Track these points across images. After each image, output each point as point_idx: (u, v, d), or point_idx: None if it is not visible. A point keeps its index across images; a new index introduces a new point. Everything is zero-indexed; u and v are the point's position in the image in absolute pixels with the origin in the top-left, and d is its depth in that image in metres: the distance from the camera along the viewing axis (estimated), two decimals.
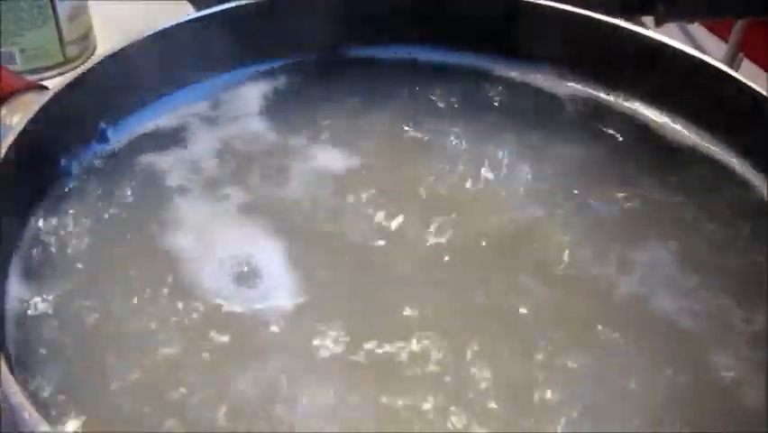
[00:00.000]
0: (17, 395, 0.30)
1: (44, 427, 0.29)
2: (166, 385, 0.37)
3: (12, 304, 0.40)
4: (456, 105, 0.54)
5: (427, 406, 0.37)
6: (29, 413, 0.29)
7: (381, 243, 0.45)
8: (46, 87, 0.46)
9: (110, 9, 0.79)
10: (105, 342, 0.39)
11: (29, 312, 0.40)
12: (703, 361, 0.40)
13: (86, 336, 0.39)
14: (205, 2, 0.73)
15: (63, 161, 0.46)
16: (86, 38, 0.76)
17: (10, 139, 0.41)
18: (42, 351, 0.38)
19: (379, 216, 0.46)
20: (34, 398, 0.35)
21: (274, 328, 0.40)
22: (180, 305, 0.40)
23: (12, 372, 0.32)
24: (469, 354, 0.40)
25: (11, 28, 0.69)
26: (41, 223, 0.43)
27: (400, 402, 0.37)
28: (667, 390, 0.39)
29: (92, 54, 0.77)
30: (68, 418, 0.35)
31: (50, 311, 0.40)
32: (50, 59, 0.72)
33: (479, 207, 0.48)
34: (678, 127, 0.52)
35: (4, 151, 0.40)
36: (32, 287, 0.40)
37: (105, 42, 0.79)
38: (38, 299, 0.40)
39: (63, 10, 0.73)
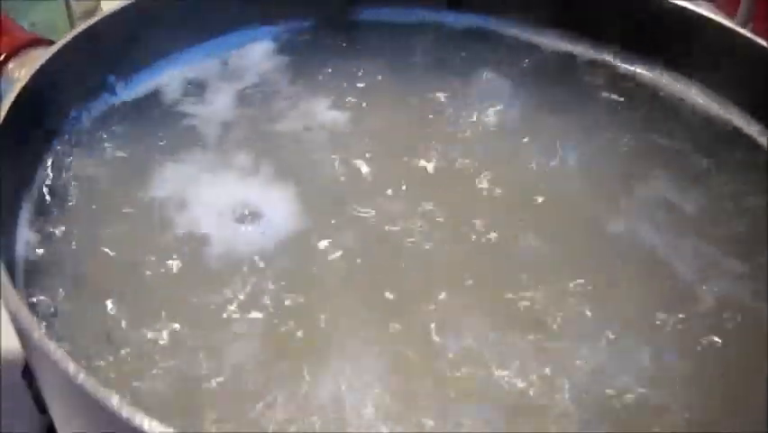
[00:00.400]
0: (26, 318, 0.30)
1: (53, 346, 0.30)
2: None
3: (21, 247, 0.40)
4: (463, 67, 0.54)
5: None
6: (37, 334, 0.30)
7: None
8: (53, 42, 0.47)
9: None
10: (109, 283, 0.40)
11: (37, 253, 0.40)
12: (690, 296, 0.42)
13: (88, 280, 0.40)
14: None
15: (74, 113, 0.46)
16: (94, 13, 0.77)
17: (16, 91, 0.41)
18: (47, 295, 0.39)
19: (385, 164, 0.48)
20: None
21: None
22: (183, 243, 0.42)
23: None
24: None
25: (21, 2, 0.70)
26: (50, 170, 0.44)
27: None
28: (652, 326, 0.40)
29: None
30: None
31: (56, 253, 0.41)
32: (59, 34, 0.73)
33: (484, 158, 0.48)
34: (691, 90, 0.53)
35: (9, 103, 0.41)
36: (40, 230, 0.41)
37: None
38: (46, 241, 0.41)
39: None
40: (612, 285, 0.42)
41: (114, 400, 0.28)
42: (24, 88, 0.41)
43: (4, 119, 0.39)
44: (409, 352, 0.38)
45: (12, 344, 0.54)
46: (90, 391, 0.28)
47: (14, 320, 0.32)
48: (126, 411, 0.28)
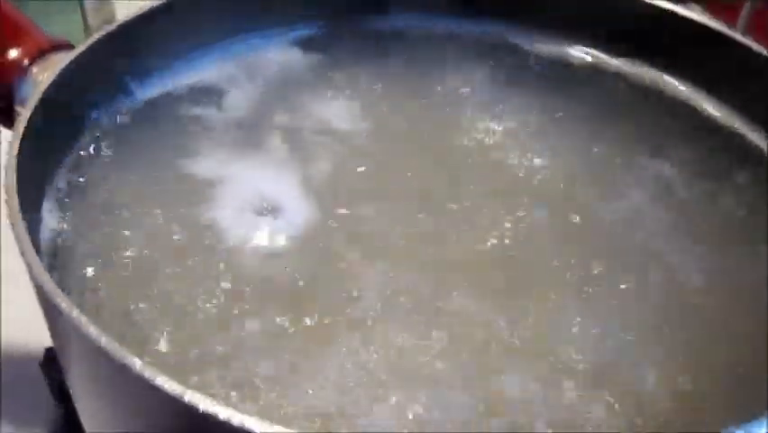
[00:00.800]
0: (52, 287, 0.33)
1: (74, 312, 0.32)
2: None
3: (44, 237, 0.43)
4: (469, 73, 0.57)
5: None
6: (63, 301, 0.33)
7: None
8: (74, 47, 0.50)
9: None
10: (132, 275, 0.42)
11: (58, 243, 0.43)
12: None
13: (108, 270, 0.43)
14: None
15: (93, 114, 0.49)
16: (111, 23, 0.80)
17: (39, 93, 0.44)
18: (71, 284, 0.42)
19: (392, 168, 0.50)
20: None
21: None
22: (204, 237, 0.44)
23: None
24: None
25: (38, 14, 0.73)
26: (71, 168, 0.47)
27: None
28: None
29: None
30: None
31: (77, 245, 0.43)
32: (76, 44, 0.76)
33: (495, 160, 0.51)
34: (686, 90, 0.55)
35: (33, 104, 0.43)
36: (62, 223, 0.44)
37: None
38: (67, 234, 0.44)
39: None
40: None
41: (138, 364, 0.31)
42: (47, 90, 0.44)
43: (29, 119, 0.42)
44: None
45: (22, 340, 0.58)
46: (113, 352, 0.31)
47: (40, 294, 0.34)
48: (149, 373, 0.30)
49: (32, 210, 0.43)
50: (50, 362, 0.55)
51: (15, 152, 0.40)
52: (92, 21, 0.77)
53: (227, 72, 0.54)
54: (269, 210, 0.46)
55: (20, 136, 0.41)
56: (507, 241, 0.45)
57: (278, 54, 0.56)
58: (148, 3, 0.51)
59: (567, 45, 0.58)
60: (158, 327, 0.39)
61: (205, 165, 0.48)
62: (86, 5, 0.77)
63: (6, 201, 0.37)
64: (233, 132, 0.51)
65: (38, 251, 0.41)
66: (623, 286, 0.43)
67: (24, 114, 0.43)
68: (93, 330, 0.31)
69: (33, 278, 0.35)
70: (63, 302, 0.32)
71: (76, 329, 0.32)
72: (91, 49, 0.48)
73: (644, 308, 0.43)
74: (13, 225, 0.37)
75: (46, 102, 0.44)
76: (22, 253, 0.36)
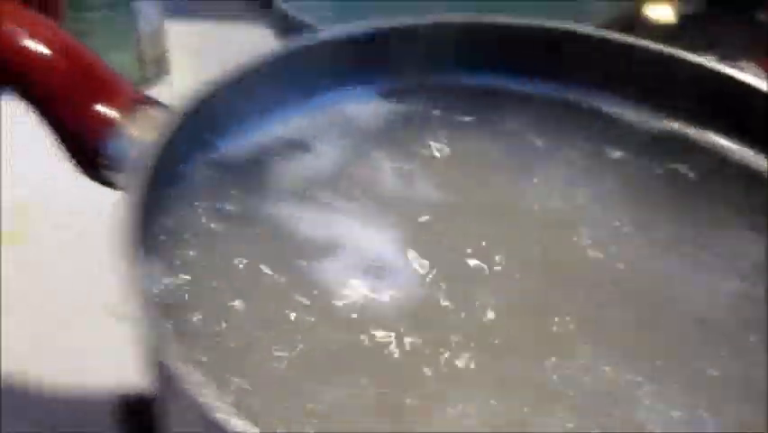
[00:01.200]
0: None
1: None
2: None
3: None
4: (559, 139, 0.56)
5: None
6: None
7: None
8: (157, 100, 0.50)
9: (181, 29, 0.84)
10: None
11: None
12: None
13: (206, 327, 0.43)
14: (285, 28, 0.78)
15: (180, 167, 0.50)
16: (162, 58, 0.80)
17: (140, 149, 0.46)
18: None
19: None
20: None
21: None
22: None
23: None
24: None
25: (94, 47, 0.74)
26: (163, 217, 0.47)
27: None
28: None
29: (166, 75, 0.81)
30: None
31: (172, 302, 0.43)
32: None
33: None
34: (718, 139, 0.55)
35: (134, 163, 0.45)
36: (159, 274, 0.44)
37: (178, 62, 0.83)
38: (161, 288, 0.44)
39: (144, 30, 0.77)
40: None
41: None
42: (156, 150, 0.45)
43: (142, 181, 0.43)
44: None
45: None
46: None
47: (161, 373, 0.34)
48: None
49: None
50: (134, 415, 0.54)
51: (129, 218, 0.40)
52: (147, 55, 0.78)
53: (316, 128, 0.55)
54: (377, 270, 0.46)
55: (135, 201, 0.41)
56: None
57: (368, 109, 0.57)
58: (235, 61, 0.52)
59: (658, 118, 0.57)
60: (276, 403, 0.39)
61: (302, 222, 0.49)
62: (142, 38, 0.77)
63: (124, 268, 0.38)
64: (323, 187, 0.51)
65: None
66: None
67: (136, 175, 0.43)
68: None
69: (153, 353, 0.35)
70: (195, 391, 0.32)
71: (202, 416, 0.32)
72: (189, 107, 0.48)
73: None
74: (131, 289, 0.37)
75: (144, 157, 0.45)
76: (143, 321, 0.36)
